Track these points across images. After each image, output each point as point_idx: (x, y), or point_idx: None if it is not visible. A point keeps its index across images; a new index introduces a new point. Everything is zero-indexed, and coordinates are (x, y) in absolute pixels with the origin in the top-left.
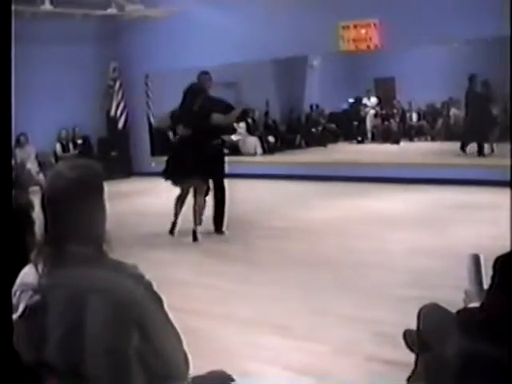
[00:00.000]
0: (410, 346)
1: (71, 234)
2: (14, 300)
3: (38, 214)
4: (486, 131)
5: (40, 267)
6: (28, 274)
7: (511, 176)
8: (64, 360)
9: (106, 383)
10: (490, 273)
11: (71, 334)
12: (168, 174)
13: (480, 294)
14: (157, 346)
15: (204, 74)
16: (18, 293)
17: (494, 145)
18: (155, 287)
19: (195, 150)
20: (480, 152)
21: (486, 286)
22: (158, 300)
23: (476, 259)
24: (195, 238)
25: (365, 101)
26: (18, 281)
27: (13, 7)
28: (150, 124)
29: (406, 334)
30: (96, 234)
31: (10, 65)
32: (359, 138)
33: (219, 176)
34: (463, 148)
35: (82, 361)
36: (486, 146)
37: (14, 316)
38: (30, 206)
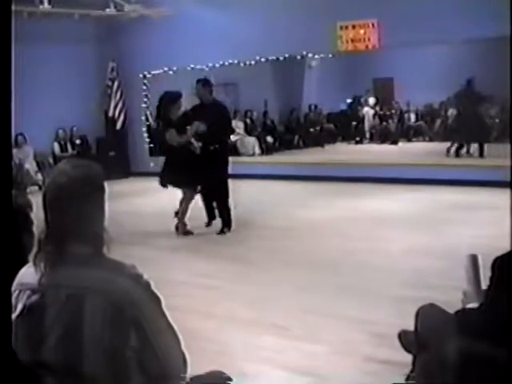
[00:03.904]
0: (405, 347)
1: (72, 233)
2: (13, 300)
3: (36, 214)
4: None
5: (40, 267)
6: (26, 274)
7: (511, 176)
8: (62, 360)
9: (103, 383)
10: (489, 273)
11: (69, 334)
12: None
13: (478, 295)
14: (155, 345)
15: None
16: (16, 293)
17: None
18: (153, 287)
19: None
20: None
21: (484, 286)
22: (157, 300)
23: (474, 259)
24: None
25: (363, 101)
26: (16, 281)
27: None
28: (148, 124)
29: (402, 335)
30: (96, 233)
31: (10, 65)
32: (357, 139)
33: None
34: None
35: (80, 360)
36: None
37: (13, 315)
38: (29, 206)
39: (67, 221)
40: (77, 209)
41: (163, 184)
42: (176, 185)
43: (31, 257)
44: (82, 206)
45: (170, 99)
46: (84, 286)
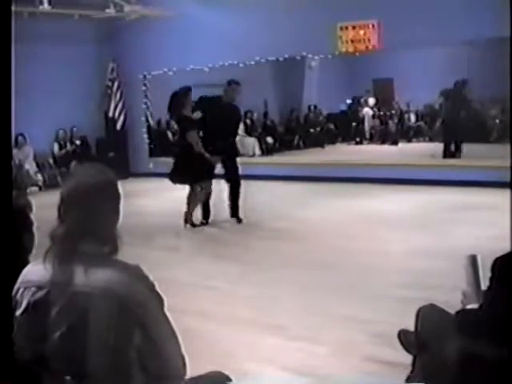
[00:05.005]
0: (405, 346)
1: (90, 232)
2: (18, 297)
3: (36, 214)
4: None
5: (49, 263)
6: (32, 272)
7: (511, 177)
8: (64, 358)
9: (105, 382)
10: (489, 274)
11: (73, 332)
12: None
13: (477, 295)
14: (157, 346)
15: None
16: (21, 290)
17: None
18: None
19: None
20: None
21: (483, 286)
22: (160, 301)
23: (473, 260)
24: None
25: (363, 102)
26: (21, 278)
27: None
28: (148, 124)
29: (401, 334)
30: (110, 235)
31: (11, 66)
32: (357, 139)
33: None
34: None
35: (83, 359)
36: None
37: (17, 312)
38: (29, 206)
39: (88, 220)
40: (99, 210)
41: (175, 182)
42: (188, 182)
43: (32, 257)
44: (104, 208)
45: (181, 94)
46: (90, 285)
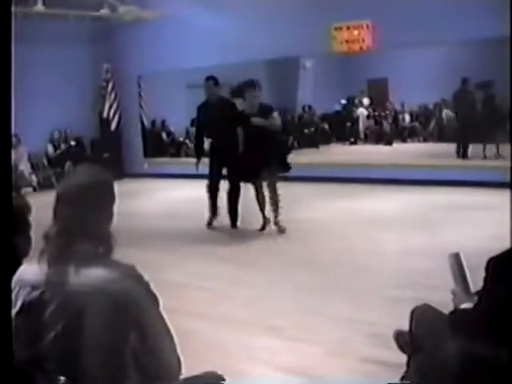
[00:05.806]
0: (401, 347)
1: (84, 232)
2: (13, 296)
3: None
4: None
5: (44, 263)
6: (27, 271)
7: (511, 177)
8: (59, 357)
9: (100, 381)
10: (483, 274)
11: (68, 332)
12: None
13: (466, 292)
14: (153, 345)
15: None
16: (16, 289)
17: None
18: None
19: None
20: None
21: (471, 283)
22: (156, 301)
23: (457, 257)
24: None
25: (357, 102)
26: (16, 277)
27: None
28: (142, 125)
29: (398, 336)
30: (105, 235)
31: (10, 67)
32: (352, 139)
33: None
34: (462, 152)
35: (78, 359)
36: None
37: (12, 312)
38: (27, 208)
39: (83, 220)
40: (94, 210)
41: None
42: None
43: (28, 259)
44: (99, 208)
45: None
46: (85, 285)
